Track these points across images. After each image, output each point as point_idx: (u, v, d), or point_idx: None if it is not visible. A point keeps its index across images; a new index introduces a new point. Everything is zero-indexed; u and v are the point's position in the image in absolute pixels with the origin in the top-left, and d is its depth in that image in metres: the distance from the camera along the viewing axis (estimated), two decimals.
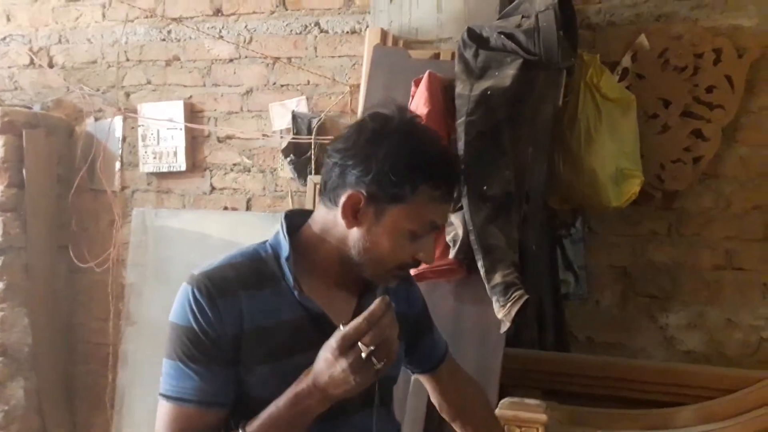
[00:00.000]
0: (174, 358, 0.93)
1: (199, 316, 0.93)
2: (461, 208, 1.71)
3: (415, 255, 0.99)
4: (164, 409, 0.94)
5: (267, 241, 1.03)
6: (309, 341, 0.90)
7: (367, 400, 1.02)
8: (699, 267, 2.07)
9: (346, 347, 0.84)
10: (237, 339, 0.93)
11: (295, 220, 1.04)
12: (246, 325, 0.94)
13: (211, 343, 0.92)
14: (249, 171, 2.65)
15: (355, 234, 0.98)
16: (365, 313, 0.85)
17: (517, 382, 1.82)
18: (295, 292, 0.97)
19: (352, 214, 0.96)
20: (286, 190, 2.56)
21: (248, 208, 2.64)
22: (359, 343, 0.84)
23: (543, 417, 1.49)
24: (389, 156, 0.94)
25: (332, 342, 0.85)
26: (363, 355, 0.83)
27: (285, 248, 0.99)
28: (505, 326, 1.60)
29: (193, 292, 0.94)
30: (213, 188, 2.71)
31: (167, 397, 0.94)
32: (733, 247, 2.04)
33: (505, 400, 1.58)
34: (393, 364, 1.06)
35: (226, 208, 2.67)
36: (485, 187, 1.69)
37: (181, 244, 2.66)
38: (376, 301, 0.85)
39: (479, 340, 1.73)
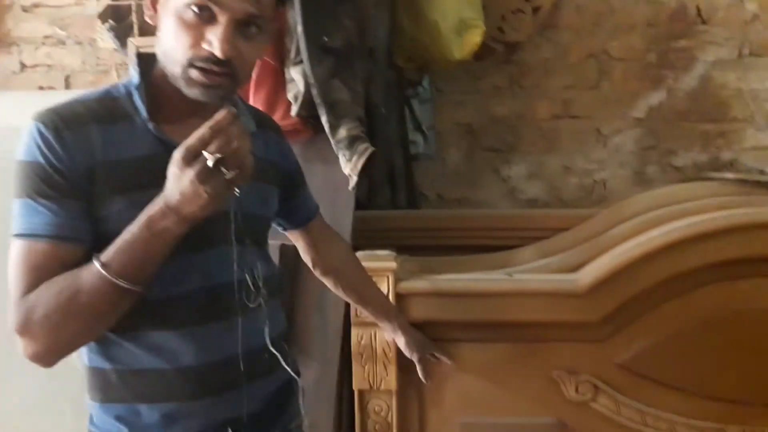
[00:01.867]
0: (24, 196, 0.86)
1: (46, 151, 0.86)
2: (301, 62, 1.60)
3: (200, 45, 0.89)
4: (16, 249, 0.86)
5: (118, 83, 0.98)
6: (166, 175, 0.81)
7: (229, 235, 0.97)
8: (538, 118, 2.14)
9: (190, 157, 0.78)
10: (89, 172, 0.87)
11: (150, 59, 0.96)
12: (98, 157, 0.88)
13: (60, 177, 0.86)
14: (64, 44, 2.33)
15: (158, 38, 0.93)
16: (208, 122, 0.78)
17: (372, 242, 1.82)
18: (150, 125, 0.92)
19: (152, 11, 0.94)
20: (110, 63, 2.29)
21: (67, 87, 2.35)
22: (204, 152, 0.77)
23: (392, 265, 1.50)
24: None
25: (176, 155, 0.78)
26: (209, 163, 0.77)
27: (135, 78, 0.95)
28: (353, 181, 1.56)
29: (39, 128, 0.88)
30: (23, 66, 2.37)
31: (18, 236, 0.86)
32: (570, 97, 2.11)
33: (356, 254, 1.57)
34: (262, 203, 1.04)
35: (41, 89, 2.36)
36: (326, 39, 1.59)
37: None
38: (220, 111, 0.78)
39: (330, 200, 1.68)
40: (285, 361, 1.04)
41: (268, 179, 1.07)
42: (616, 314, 1.45)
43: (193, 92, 0.90)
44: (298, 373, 1.09)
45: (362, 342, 1.51)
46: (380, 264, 1.51)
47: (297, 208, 1.21)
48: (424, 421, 1.54)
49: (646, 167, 2.14)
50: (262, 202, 1.05)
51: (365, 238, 1.77)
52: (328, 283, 1.31)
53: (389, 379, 1.52)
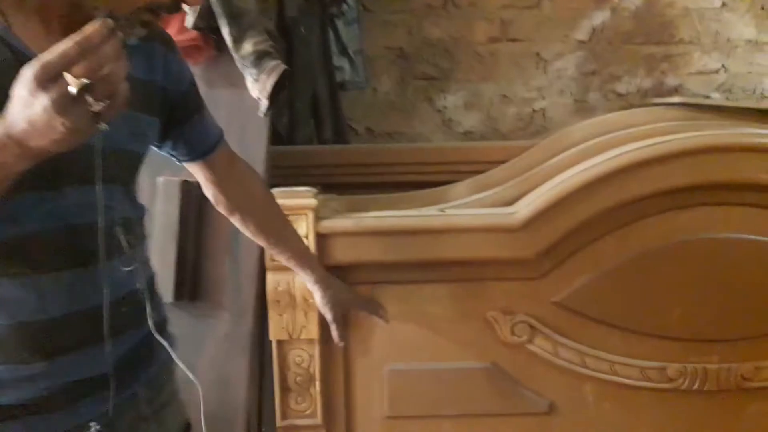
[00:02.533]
0: None
1: None
2: None
3: None
4: None
5: None
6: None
7: (91, 172, 0.79)
8: (475, 41, 1.98)
9: (47, 78, 0.57)
10: None
11: None
12: None
13: None
14: None
15: None
16: (75, 35, 0.57)
17: (295, 181, 1.67)
18: None
19: None
20: None
21: None
22: (66, 75, 0.57)
23: (311, 202, 1.34)
24: None
25: (28, 73, 0.58)
26: (72, 89, 0.57)
27: None
28: (263, 106, 1.36)
29: None
30: None
31: None
32: (509, 17, 1.95)
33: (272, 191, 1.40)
34: (135, 137, 0.86)
35: None
36: None
37: None
38: (92, 22, 0.58)
39: (238, 131, 1.49)
40: (155, 311, 0.89)
41: (147, 107, 0.88)
42: (553, 249, 1.34)
43: (121, 29, 0.69)
44: (165, 321, 0.94)
45: (279, 288, 1.36)
46: (298, 201, 1.35)
47: (191, 137, 1.02)
48: (350, 370, 1.42)
49: (587, 94, 2.02)
50: (136, 135, 0.87)
51: (286, 176, 1.61)
52: (235, 222, 1.14)
53: (310, 328, 1.38)
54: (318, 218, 1.34)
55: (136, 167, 0.91)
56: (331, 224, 1.35)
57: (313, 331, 1.37)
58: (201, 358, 1.40)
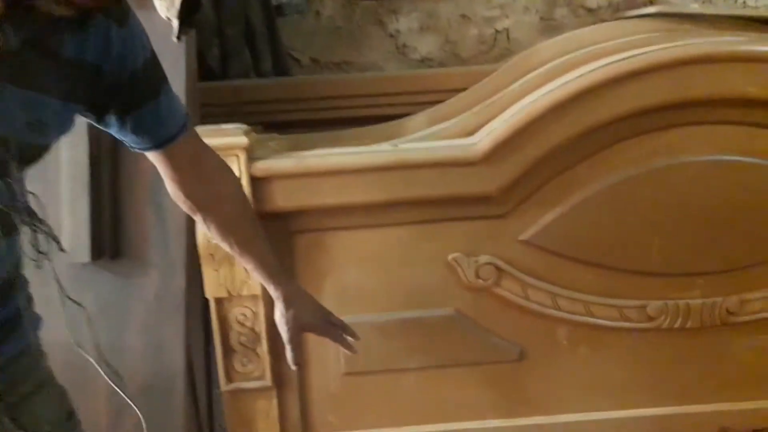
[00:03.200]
0: None
1: None
2: None
3: None
4: None
5: None
6: None
7: None
8: None
9: None
10: None
11: None
12: None
13: None
14: None
15: None
16: None
17: (229, 120, 1.49)
18: None
19: None
20: None
21: None
22: None
23: (242, 140, 1.17)
24: None
25: None
26: None
27: None
28: (175, 27, 1.16)
29: None
30: None
31: None
32: None
33: (196, 129, 1.22)
34: (39, 129, 0.70)
35: None
36: None
37: None
38: None
39: None
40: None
41: (64, 91, 0.71)
42: (519, 182, 1.20)
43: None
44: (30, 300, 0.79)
45: (213, 241, 1.19)
46: (227, 140, 1.18)
47: (141, 125, 0.84)
48: None
49: (554, 11, 1.86)
50: (33, 125, 0.70)
51: (219, 115, 1.41)
52: (197, 220, 0.99)
53: (252, 283, 1.23)
54: (251, 159, 1.18)
55: (33, 159, 0.73)
56: (267, 165, 1.18)
57: (256, 287, 1.22)
58: (129, 324, 1.24)
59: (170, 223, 1.27)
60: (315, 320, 1.12)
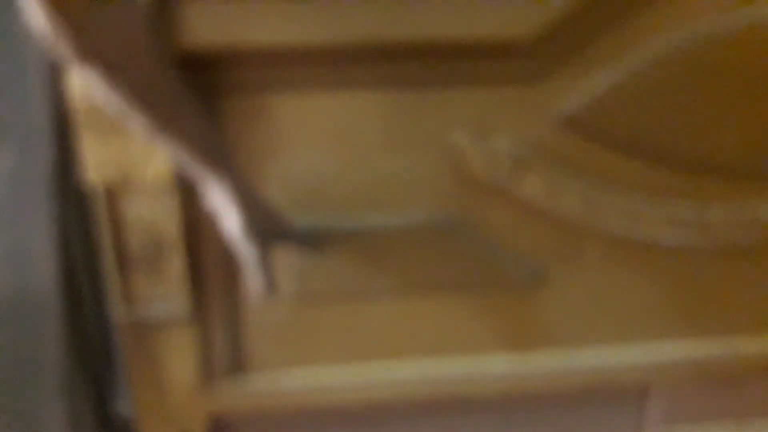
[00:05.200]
0: None
1: None
2: None
3: None
4: None
5: None
6: None
7: None
8: None
9: None
10: None
11: None
12: None
13: None
14: None
15: None
16: None
17: None
18: None
19: None
20: None
21: None
22: None
23: None
24: None
25: None
26: None
27: None
28: None
29: None
30: None
31: None
32: None
33: None
34: None
35: None
36: None
37: None
38: None
39: None
40: None
41: None
42: (566, 27, 0.81)
43: None
44: None
45: (99, 100, 0.76)
46: None
47: None
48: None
49: None
50: None
51: None
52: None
53: (160, 158, 0.82)
54: None
55: None
56: None
57: (166, 168, 0.82)
58: None
59: (30, 74, 0.83)
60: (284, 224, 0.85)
